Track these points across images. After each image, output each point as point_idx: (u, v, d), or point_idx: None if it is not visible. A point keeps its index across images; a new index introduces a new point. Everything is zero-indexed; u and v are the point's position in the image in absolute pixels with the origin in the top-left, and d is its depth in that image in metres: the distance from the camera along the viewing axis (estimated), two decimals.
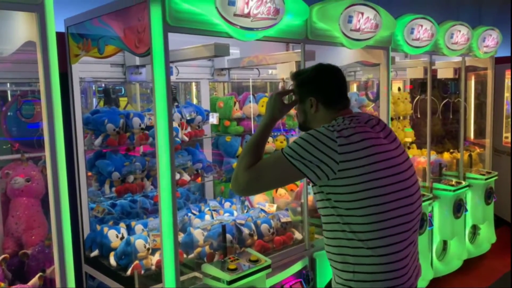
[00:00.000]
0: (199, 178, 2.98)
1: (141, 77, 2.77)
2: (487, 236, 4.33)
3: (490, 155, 4.71)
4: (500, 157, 5.09)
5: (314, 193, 1.62)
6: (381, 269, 1.49)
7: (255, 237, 2.51)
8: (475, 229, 4.27)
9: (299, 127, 1.82)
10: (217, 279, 2.04)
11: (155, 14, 1.91)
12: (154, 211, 2.80)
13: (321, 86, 1.67)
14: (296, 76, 1.75)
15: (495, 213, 4.48)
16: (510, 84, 5.24)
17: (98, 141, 2.52)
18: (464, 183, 3.90)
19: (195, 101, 3.25)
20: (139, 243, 2.24)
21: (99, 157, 2.58)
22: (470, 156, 4.48)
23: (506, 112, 5.32)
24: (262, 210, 2.78)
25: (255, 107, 3.16)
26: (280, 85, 3.70)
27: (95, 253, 2.46)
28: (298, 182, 3.22)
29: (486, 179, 4.11)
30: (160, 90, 1.96)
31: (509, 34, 4.85)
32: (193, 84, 3.26)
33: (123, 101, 3.97)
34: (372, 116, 1.69)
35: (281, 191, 3.08)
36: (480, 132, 5.34)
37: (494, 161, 4.83)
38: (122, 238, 2.39)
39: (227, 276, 2.01)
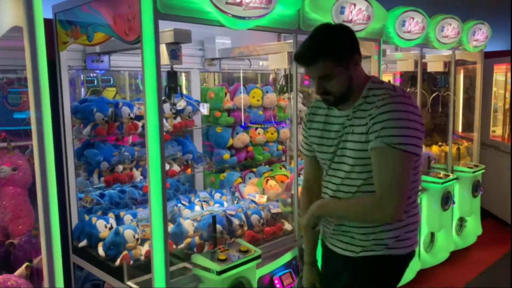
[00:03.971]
0: (189, 169, 2.96)
1: (103, 65, 2.66)
2: (474, 228, 4.39)
3: (478, 148, 4.76)
4: (487, 151, 5.15)
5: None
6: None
7: (245, 228, 2.50)
8: (462, 221, 4.32)
9: (335, 101, 1.59)
10: (207, 269, 2.04)
11: (146, 1, 1.87)
12: (143, 201, 2.78)
13: (356, 38, 1.56)
14: (330, 44, 1.51)
15: (481, 206, 4.54)
16: (499, 78, 5.29)
17: (86, 130, 2.48)
18: (452, 176, 3.94)
19: (185, 91, 3.22)
20: (128, 233, 2.22)
21: (87, 146, 2.55)
22: (458, 149, 4.52)
23: (493, 106, 5.38)
24: (252, 201, 2.77)
25: (246, 98, 3.14)
26: (271, 76, 3.68)
27: (83, 243, 2.44)
28: (288, 174, 3.23)
29: (473, 172, 4.15)
30: (150, 79, 1.93)
31: (499, 29, 4.89)
32: (183, 74, 3.23)
33: (111, 92, 3.92)
34: None
35: (272, 182, 3.07)
36: (468, 126, 5.40)
37: (481, 154, 4.89)
38: (110, 228, 2.37)
39: (217, 267, 2.01)
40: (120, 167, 2.56)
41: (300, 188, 3.00)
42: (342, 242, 1.66)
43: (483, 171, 4.32)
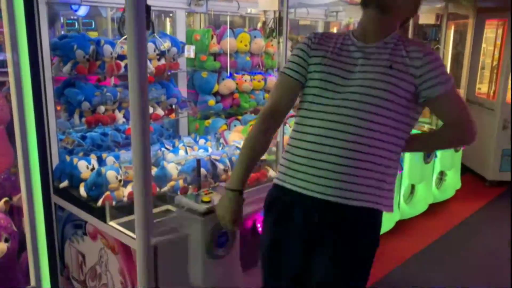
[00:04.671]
0: (173, 114, 2.90)
1: None
2: (453, 182, 4.49)
3: None
4: (472, 108, 5.17)
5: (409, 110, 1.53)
6: None
7: (230, 173, 2.49)
8: (442, 175, 4.40)
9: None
10: (191, 211, 2.03)
11: None
12: (126, 144, 2.73)
13: None
14: None
15: (461, 161, 4.62)
16: (490, 35, 5.24)
17: (66, 68, 2.38)
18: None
19: (169, 33, 3.10)
20: (110, 174, 2.19)
21: (68, 85, 2.46)
22: None
23: (481, 63, 5.36)
24: (237, 147, 2.75)
25: (233, 42, 3.05)
26: (260, 20, 3.56)
27: (65, 183, 2.39)
28: None
29: None
30: (132, 14, 1.82)
31: None
32: (168, 18, 3.10)
33: (92, 36, 3.76)
34: None
35: None
36: (454, 82, 5.38)
37: None
38: (92, 169, 2.33)
39: (201, 208, 2.00)
40: (102, 108, 2.48)
41: (285, 137, 3.00)
42: (342, 190, 1.47)
43: None
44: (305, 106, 1.59)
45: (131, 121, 1.89)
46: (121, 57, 2.54)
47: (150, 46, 2.62)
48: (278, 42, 3.01)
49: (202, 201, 2.04)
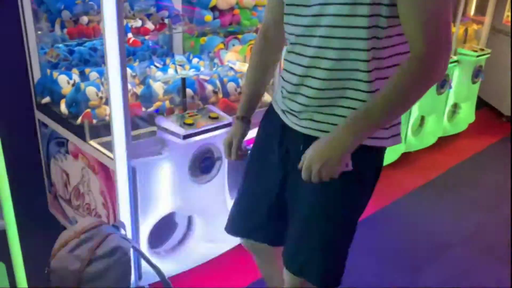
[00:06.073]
0: (165, 29, 2.68)
1: None
2: (467, 116, 4.26)
3: (487, 32, 4.41)
4: (497, 37, 4.79)
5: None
6: None
7: (220, 95, 2.33)
8: (455, 107, 4.17)
9: None
10: (172, 133, 1.91)
11: None
12: None
13: None
14: None
15: (478, 94, 4.35)
16: None
17: None
18: (454, 58, 3.68)
19: None
20: (90, 90, 2.05)
21: None
22: (466, 31, 4.18)
23: None
24: (231, 68, 2.56)
25: None
26: None
27: (47, 99, 2.28)
28: None
29: (477, 56, 3.88)
30: None
31: None
32: None
33: None
34: None
35: None
36: (481, 8, 4.95)
37: (490, 40, 4.55)
38: (73, 84, 2.19)
39: (182, 130, 1.88)
40: (85, 19, 2.29)
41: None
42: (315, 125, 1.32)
43: (488, 56, 4.03)
44: None
45: (104, 33, 1.72)
46: None
47: None
48: None
49: (185, 123, 1.92)
